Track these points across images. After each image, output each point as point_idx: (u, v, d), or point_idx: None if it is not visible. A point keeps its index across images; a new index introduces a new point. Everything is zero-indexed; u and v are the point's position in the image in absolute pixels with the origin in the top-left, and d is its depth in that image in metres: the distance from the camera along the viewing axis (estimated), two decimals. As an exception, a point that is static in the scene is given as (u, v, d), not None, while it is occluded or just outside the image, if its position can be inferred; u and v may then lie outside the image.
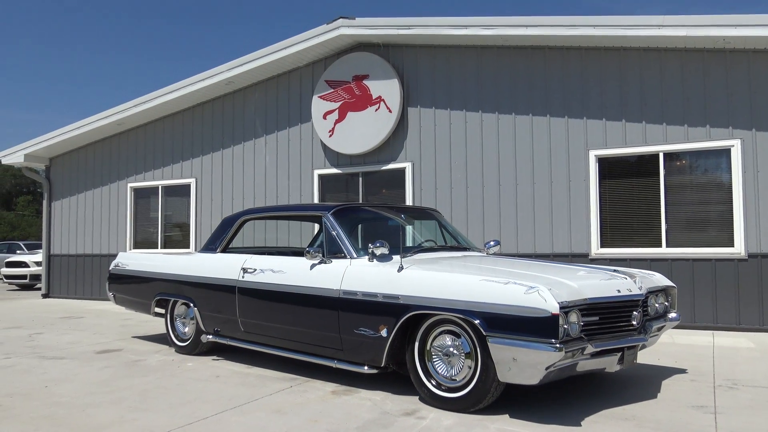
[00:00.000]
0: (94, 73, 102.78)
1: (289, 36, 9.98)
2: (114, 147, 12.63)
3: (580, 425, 3.86)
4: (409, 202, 9.50)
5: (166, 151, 11.98)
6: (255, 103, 10.99)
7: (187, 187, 11.66)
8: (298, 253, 5.74)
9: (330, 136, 10.05)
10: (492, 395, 4.07)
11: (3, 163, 13.23)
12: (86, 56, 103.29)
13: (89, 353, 6.49)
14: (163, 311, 6.72)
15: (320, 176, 10.32)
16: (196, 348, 6.26)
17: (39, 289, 14.88)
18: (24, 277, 16.43)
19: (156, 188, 12.08)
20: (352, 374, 5.07)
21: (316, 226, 8.08)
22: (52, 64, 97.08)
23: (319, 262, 5.08)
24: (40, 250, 14.94)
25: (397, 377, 4.89)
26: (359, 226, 6.24)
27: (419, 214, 6.49)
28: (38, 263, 15.73)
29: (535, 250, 8.58)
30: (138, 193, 12.36)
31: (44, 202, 13.47)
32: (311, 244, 7.03)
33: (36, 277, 15.98)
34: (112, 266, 7.37)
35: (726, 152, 7.71)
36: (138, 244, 12.24)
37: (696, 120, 7.83)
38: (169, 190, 11.98)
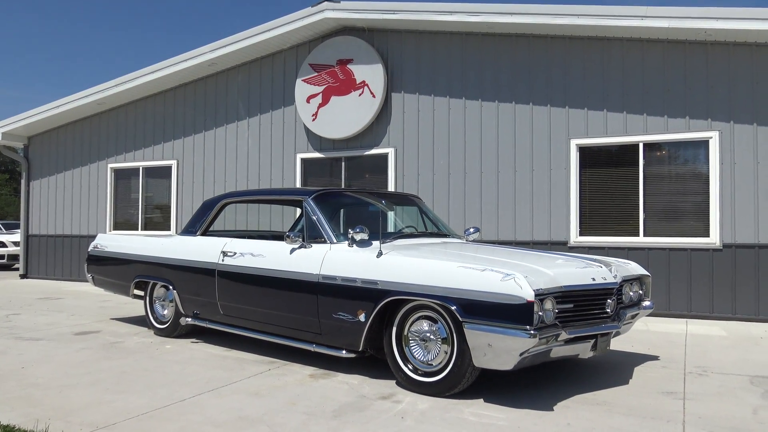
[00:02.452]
0: (76, 49, 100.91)
1: (275, 17, 9.89)
2: (94, 127, 12.47)
3: (553, 410, 3.94)
4: (391, 187, 9.52)
5: (147, 132, 11.86)
6: (238, 85, 10.91)
7: (168, 168, 11.56)
8: (278, 237, 5.76)
9: (313, 120, 10.01)
10: (467, 380, 4.14)
11: (-20, 141, 13.02)
12: (69, 31, 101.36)
13: (67, 335, 6.47)
14: (142, 293, 6.71)
15: (303, 160, 10.29)
16: (175, 330, 6.26)
17: (17, 269, 14.72)
18: (2, 257, 16.24)
19: (137, 169, 11.97)
20: (330, 358, 5.11)
21: (298, 211, 8.07)
22: (34, 39, 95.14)
23: (299, 247, 5.09)
24: (18, 230, 14.76)
25: (374, 361, 4.94)
26: (340, 211, 6.26)
27: (400, 200, 6.51)
28: (16, 243, 15.55)
29: (515, 237, 8.66)
30: (118, 173, 12.24)
31: (23, 182, 13.29)
32: (292, 229, 7.03)
33: (14, 258, 15.79)
34: (91, 248, 7.32)
35: (704, 144, 7.82)
36: (118, 226, 12.14)
37: (676, 111, 7.92)
38: (150, 172, 11.88)
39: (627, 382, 4.64)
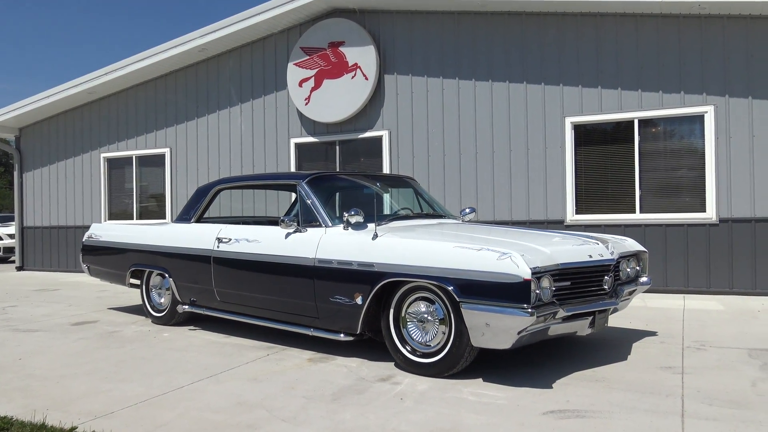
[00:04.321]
0: (66, 39, 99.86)
1: (265, 1, 9.75)
2: (86, 116, 12.36)
3: (552, 387, 3.94)
4: (386, 170, 9.47)
5: (139, 121, 11.76)
6: (229, 71, 10.80)
7: (162, 156, 11.49)
8: (273, 222, 5.71)
9: (306, 104, 9.93)
10: (466, 360, 4.13)
11: (-29, 133, 12.91)
12: (58, 22, 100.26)
13: (64, 325, 6.45)
14: (138, 282, 6.68)
15: (297, 145, 10.22)
16: (172, 318, 6.24)
17: (13, 262, 14.67)
18: (-2, 249, 16.18)
19: (130, 158, 11.88)
20: (328, 342, 5.11)
21: (293, 195, 8.02)
22: (21, 30, 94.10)
23: (294, 231, 5.06)
24: (13, 223, 14.68)
25: (372, 344, 4.93)
26: (335, 194, 6.22)
27: (395, 182, 6.47)
28: (11, 236, 15.49)
29: (511, 217, 8.64)
30: (112, 163, 12.16)
31: (15, 173, 13.20)
32: (287, 213, 6.98)
33: (9, 250, 15.75)
34: (85, 238, 7.27)
35: (699, 118, 7.78)
36: (113, 216, 12.09)
37: (671, 86, 7.86)
38: (143, 160, 11.80)
39: (625, 358, 4.64)
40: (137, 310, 7.15)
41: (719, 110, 7.64)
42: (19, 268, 13.08)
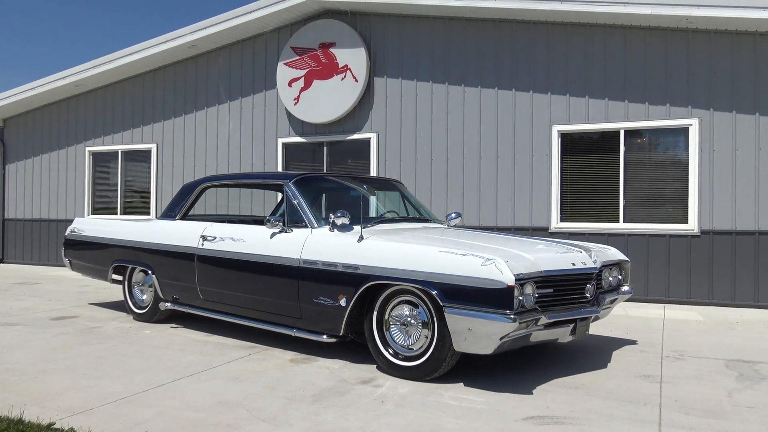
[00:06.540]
0: (55, 31, 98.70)
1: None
2: (72, 109, 12.24)
3: (532, 393, 3.97)
4: (373, 173, 9.48)
5: (126, 115, 11.67)
6: (219, 68, 10.76)
7: (148, 152, 11.40)
8: (259, 221, 5.70)
9: (295, 104, 9.92)
10: (447, 364, 4.15)
11: (-47, 123, 12.73)
12: (46, 9, 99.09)
13: (44, 320, 6.38)
14: (120, 278, 6.63)
15: (284, 145, 10.20)
16: (154, 316, 6.20)
17: (-7, 254, 14.47)
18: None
19: (115, 153, 11.79)
20: (311, 343, 5.10)
21: (279, 195, 8.01)
22: (8, 20, 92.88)
23: (280, 231, 5.05)
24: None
25: (355, 346, 4.94)
26: (321, 195, 6.22)
27: (382, 184, 6.49)
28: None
29: (496, 223, 8.68)
30: (97, 157, 12.05)
31: (-2, 165, 13.05)
32: (273, 213, 6.98)
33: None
34: (68, 232, 7.20)
35: (684, 131, 7.87)
36: (96, 210, 11.97)
37: (657, 98, 7.96)
38: (129, 156, 11.71)
39: (605, 366, 4.69)
40: (119, 306, 7.09)
41: (703, 123, 7.75)
42: (0, 261, 12.93)
